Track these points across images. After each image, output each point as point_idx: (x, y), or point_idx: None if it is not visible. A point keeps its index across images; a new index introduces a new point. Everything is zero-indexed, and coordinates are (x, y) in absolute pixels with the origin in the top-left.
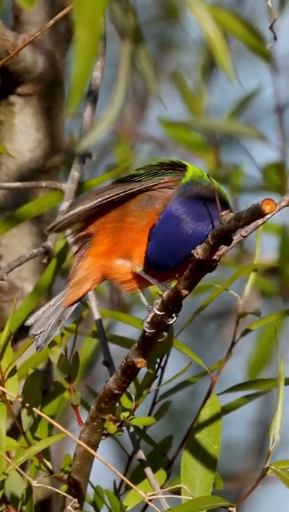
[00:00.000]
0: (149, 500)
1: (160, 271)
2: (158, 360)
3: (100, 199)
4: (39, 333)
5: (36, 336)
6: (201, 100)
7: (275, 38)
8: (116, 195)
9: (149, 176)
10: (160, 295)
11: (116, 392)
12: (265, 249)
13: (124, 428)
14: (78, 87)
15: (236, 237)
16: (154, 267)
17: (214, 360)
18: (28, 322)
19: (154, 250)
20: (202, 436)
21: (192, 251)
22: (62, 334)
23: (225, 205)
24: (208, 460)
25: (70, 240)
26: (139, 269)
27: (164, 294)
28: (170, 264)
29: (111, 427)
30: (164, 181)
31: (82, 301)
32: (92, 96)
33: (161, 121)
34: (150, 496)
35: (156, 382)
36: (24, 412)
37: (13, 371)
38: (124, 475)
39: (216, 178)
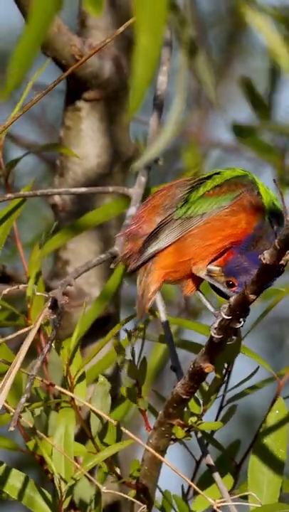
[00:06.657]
0: (218, 507)
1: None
2: (225, 365)
3: (173, 237)
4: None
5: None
6: (270, 104)
7: None
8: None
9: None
10: (228, 300)
11: (184, 397)
12: None
13: (192, 433)
14: (139, 92)
15: None
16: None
17: (284, 363)
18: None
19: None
20: (269, 441)
21: (259, 256)
22: (130, 339)
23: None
24: (275, 464)
25: None
26: (203, 273)
27: (232, 299)
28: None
29: (179, 432)
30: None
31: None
32: (158, 100)
33: (230, 125)
34: (219, 502)
35: (223, 386)
36: (93, 417)
37: (82, 376)
38: (192, 480)
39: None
